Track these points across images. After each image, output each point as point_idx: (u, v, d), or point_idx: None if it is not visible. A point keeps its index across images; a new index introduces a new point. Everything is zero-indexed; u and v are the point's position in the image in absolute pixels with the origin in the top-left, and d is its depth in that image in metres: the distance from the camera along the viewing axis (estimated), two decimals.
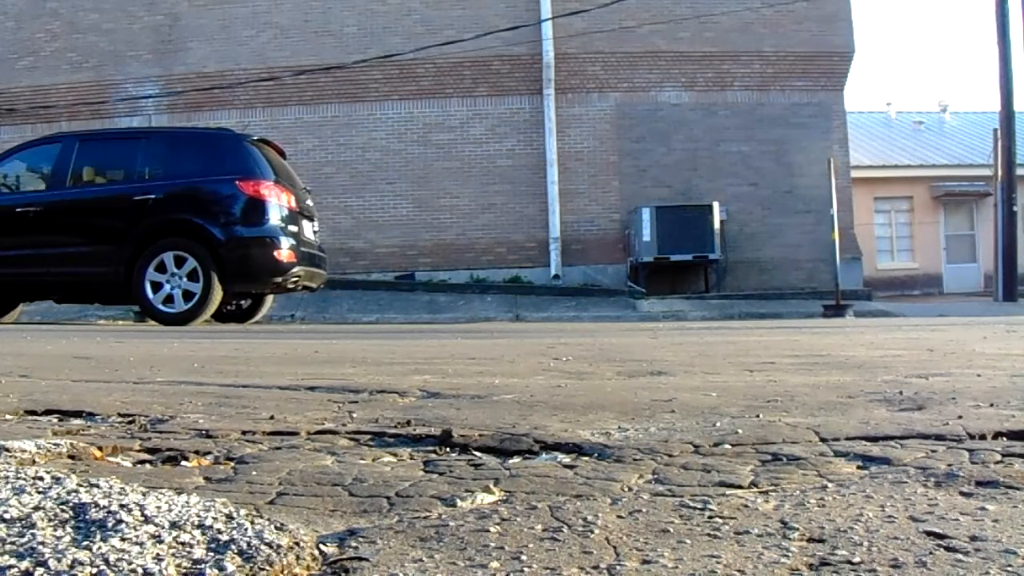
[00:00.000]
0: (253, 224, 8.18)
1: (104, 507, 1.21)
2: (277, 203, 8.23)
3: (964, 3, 66.75)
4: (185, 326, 7.83)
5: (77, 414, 2.29)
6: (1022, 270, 15.38)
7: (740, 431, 1.97)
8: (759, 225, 15.29)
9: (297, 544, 1.10)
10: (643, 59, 15.34)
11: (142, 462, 1.75)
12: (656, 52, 15.31)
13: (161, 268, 8.08)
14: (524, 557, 1.08)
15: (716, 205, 14.41)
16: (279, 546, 1.07)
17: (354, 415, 2.29)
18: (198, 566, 1.00)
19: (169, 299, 8.09)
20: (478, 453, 1.81)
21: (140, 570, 0.97)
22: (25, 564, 0.98)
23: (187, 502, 1.26)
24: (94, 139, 9.40)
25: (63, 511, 1.20)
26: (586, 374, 3.43)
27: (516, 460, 1.75)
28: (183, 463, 1.72)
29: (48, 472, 1.46)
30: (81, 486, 1.35)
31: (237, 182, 8.17)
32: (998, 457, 1.66)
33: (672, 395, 2.62)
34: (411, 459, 1.76)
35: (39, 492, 1.30)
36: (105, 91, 15.52)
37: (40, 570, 0.96)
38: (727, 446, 1.82)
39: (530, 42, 14.97)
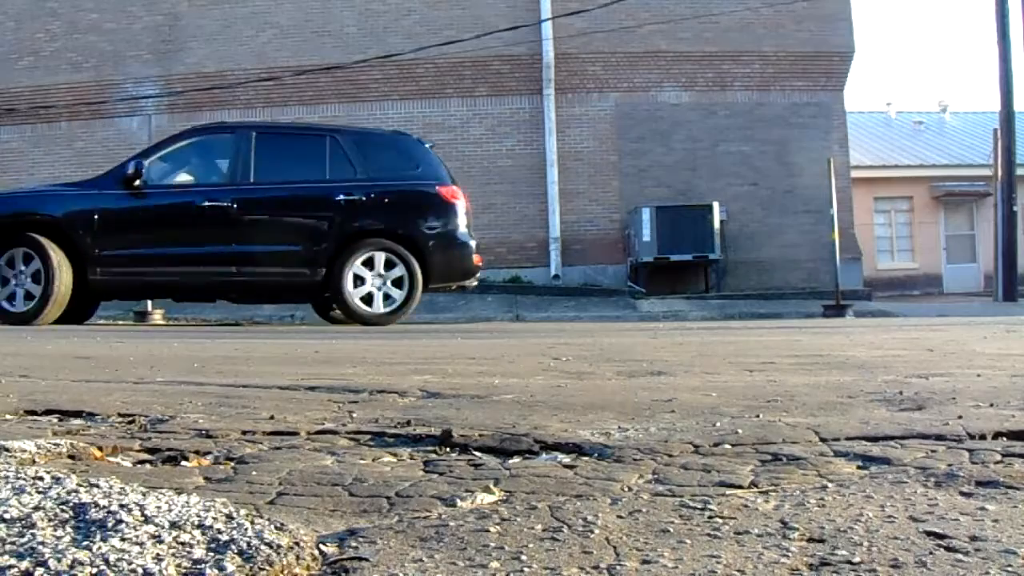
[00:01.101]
0: (452, 228, 8.45)
1: (104, 507, 1.21)
2: (464, 207, 8.54)
3: (964, 3, 66.79)
4: (387, 326, 7.90)
5: (77, 414, 2.29)
6: (1022, 270, 15.39)
7: (740, 431, 1.97)
8: (759, 225, 15.29)
9: (297, 544, 1.10)
10: (643, 59, 15.34)
11: (142, 462, 1.75)
12: (656, 52, 15.31)
13: (365, 269, 8.12)
14: (524, 557, 1.08)
15: (716, 205, 14.40)
16: (279, 546, 1.07)
17: (354, 415, 2.29)
18: (198, 566, 1.00)
19: (370, 300, 8.13)
20: (478, 453, 1.81)
21: (140, 570, 0.97)
22: (25, 564, 0.98)
23: (187, 502, 1.26)
24: (271, 132, 9.12)
25: (63, 511, 1.20)
26: (586, 374, 3.43)
27: (516, 460, 1.75)
28: (183, 463, 1.72)
29: (48, 472, 1.46)
30: (81, 486, 1.35)
31: (437, 187, 8.41)
32: (998, 457, 1.66)
33: (672, 395, 2.62)
34: (411, 459, 1.75)
35: (39, 492, 1.30)
36: (105, 91, 15.52)
37: (40, 570, 0.96)
38: (727, 446, 1.82)
39: (530, 42, 14.96)
